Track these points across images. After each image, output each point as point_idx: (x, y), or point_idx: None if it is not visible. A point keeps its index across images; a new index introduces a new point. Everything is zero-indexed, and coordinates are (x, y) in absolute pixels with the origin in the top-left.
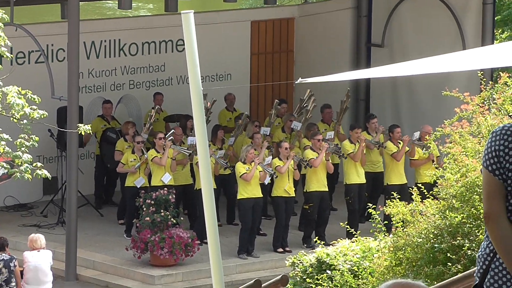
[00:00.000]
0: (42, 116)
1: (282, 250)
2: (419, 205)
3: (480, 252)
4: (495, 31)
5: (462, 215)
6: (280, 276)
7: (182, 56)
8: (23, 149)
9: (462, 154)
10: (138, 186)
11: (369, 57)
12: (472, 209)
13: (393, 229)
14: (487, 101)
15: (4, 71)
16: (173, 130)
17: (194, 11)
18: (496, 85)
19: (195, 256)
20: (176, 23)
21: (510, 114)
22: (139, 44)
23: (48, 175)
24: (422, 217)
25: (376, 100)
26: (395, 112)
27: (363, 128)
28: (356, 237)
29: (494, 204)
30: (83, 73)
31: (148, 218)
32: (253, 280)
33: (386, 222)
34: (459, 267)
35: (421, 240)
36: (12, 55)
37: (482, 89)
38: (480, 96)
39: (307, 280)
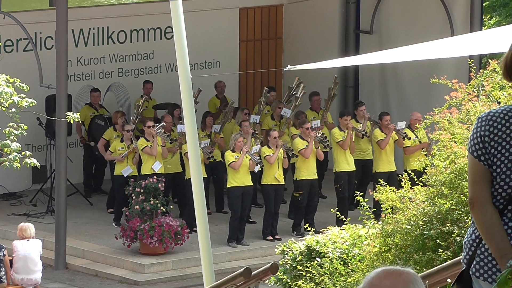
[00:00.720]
0: (31, 105)
1: (272, 238)
2: (408, 191)
3: (466, 238)
4: (483, 17)
5: (451, 201)
6: (270, 264)
7: (171, 43)
8: (11, 137)
9: (451, 141)
10: (125, 175)
11: (358, 43)
12: (461, 195)
13: (382, 216)
14: (476, 88)
15: None
16: (163, 123)
17: None
18: (484, 71)
19: (184, 245)
20: (165, 11)
21: (499, 101)
22: (127, 32)
23: (37, 163)
24: (411, 204)
25: (365, 87)
26: (384, 99)
27: (352, 116)
28: (346, 224)
29: (479, 189)
30: (71, 61)
31: (137, 207)
32: (243, 268)
33: (374, 209)
34: (449, 253)
35: (410, 227)
36: (0, 43)
37: (472, 76)
38: (470, 84)
39: (297, 267)
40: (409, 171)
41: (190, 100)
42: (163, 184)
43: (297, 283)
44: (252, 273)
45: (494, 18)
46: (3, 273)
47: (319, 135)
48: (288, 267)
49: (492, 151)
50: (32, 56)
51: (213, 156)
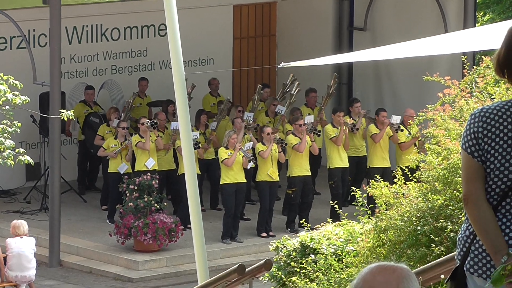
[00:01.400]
0: (25, 102)
1: (266, 234)
2: (402, 187)
3: (460, 235)
4: (477, 14)
5: (444, 197)
6: (264, 260)
7: (165, 40)
8: (5, 135)
9: (445, 137)
10: (122, 172)
11: (351, 40)
12: (455, 191)
13: (376, 211)
14: (470, 85)
15: None
16: (157, 121)
17: None
18: (478, 68)
19: (178, 241)
20: (158, 8)
21: (493, 97)
22: (121, 29)
23: (31, 161)
24: (405, 200)
25: (358, 84)
26: (378, 96)
27: (346, 112)
28: (343, 219)
29: (473, 186)
30: (65, 59)
31: (131, 204)
32: (237, 265)
33: (371, 206)
34: (442, 249)
35: (403, 223)
36: None
37: (466, 73)
38: (463, 81)
39: (291, 264)
40: (403, 167)
41: (183, 97)
42: (157, 181)
43: (291, 279)
44: (246, 270)
45: (488, 15)
46: None
47: (309, 127)
48: (282, 263)
49: (486, 147)
50: (26, 53)
51: (198, 144)
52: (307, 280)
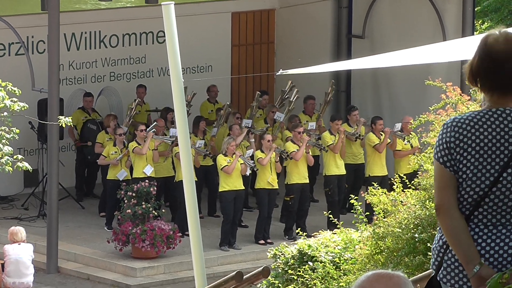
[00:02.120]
0: (23, 109)
1: (264, 242)
2: (400, 194)
3: (434, 245)
4: (475, 22)
5: None
6: (262, 267)
7: (163, 47)
8: (3, 141)
9: None
10: (121, 179)
11: (350, 48)
12: None
13: (374, 218)
14: (470, 92)
15: None
16: (155, 123)
17: (174, 3)
18: None
19: (176, 248)
20: (157, 15)
21: None
22: (119, 36)
23: (29, 167)
24: (403, 207)
25: (357, 91)
26: (376, 104)
27: (344, 120)
28: (338, 228)
29: (445, 195)
30: (63, 65)
31: (129, 211)
32: (235, 272)
33: (368, 213)
34: None
35: (401, 230)
36: None
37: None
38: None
39: (289, 271)
40: (401, 175)
41: (182, 104)
42: (155, 188)
43: (288, 287)
44: (244, 277)
45: (486, 23)
46: None
47: (314, 140)
48: (280, 271)
49: (458, 157)
50: (24, 60)
51: (210, 153)
52: (304, 287)
